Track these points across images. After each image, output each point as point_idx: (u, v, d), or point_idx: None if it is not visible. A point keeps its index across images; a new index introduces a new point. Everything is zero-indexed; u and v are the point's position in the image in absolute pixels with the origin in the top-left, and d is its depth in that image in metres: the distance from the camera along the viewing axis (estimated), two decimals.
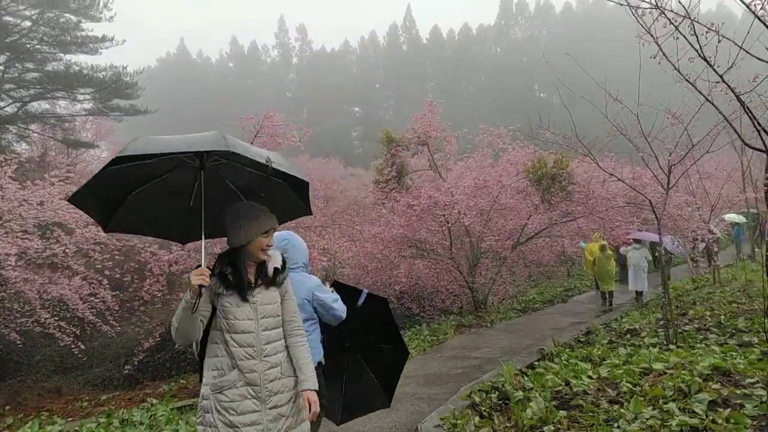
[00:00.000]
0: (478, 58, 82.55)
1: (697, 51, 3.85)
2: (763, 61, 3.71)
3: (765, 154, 3.87)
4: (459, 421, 4.40)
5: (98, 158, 34.84)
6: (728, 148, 14.41)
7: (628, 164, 12.65)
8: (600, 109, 7.22)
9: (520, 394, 4.85)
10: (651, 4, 4.30)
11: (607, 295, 13.05)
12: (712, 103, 4.34)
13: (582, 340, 8.52)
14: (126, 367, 12.13)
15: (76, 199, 2.56)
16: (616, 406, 4.28)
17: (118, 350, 13.41)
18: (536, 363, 6.87)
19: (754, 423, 3.63)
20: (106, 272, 10.12)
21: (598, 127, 8.51)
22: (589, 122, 8.14)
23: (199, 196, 2.64)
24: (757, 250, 18.25)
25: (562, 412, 4.18)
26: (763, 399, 3.96)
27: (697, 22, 3.81)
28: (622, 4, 4.69)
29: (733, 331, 7.11)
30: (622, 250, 13.98)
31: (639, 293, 12.98)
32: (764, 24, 3.58)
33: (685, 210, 11.69)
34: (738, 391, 4.19)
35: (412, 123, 13.71)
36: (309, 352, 2.74)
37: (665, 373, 4.96)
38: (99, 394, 11.52)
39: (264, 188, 2.81)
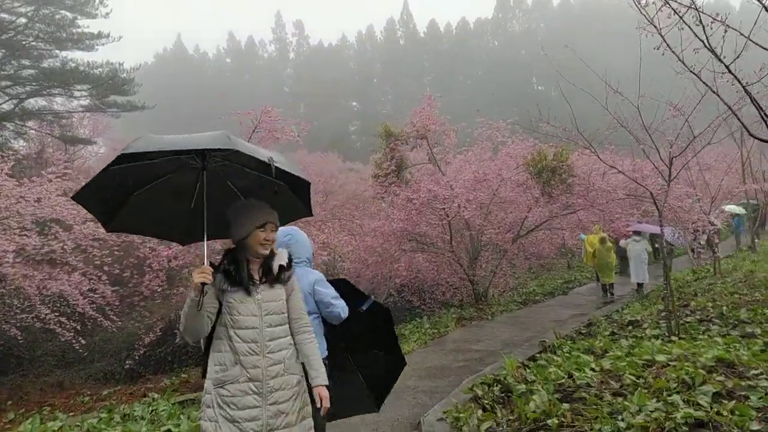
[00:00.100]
0: (475, 51, 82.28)
1: (702, 41, 3.80)
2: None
3: None
4: (462, 415, 4.38)
5: (96, 154, 34.75)
6: (728, 139, 14.43)
7: (627, 157, 12.64)
8: (600, 101, 7.18)
9: (522, 386, 4.83)
10: None
11: (607, 287, 13.06)
12: (717, 94, 4.30)
13: (583, 332, 8.51)
14: (127, 362, 12.12)
15: (79, 198, 2.57)
16: (619, 399, 4.26)
17: (120, 345, 13.41)
18: (538, 355, 6.87)
19: (759, 415, 3.61)
20: (105, 268, 10.09)
21: (597, 120, 8.48)
22: (587, 115, 8.11)
23: (201, 197, 2.65)
24: (757, 240, 18.28)
25: (566, 405, 4.16)
26: None
27: (703, 12, 3.76)
28: None
29: (736, 323, 7.10)
30: (621, 243, 13.96)
31: (640, 285, 12.98)
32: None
33: (686, 202, 11.67)
34: (742, 383, 4.17)
35: (411, 117, 13.66)
36: (317, 348, 2.76)
37: (668, 365, 4.94)
38: (101, 388, 11.52)
39: (265, 189, 2.82)
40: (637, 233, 13.10)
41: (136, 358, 11.51)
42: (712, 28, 3.80)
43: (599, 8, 78.82)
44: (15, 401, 10.21)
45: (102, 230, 9.37)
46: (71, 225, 9.45)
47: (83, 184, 2.56)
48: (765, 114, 3.71)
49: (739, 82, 3.77)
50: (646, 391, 4.30)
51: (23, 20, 23.39)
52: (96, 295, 10.16)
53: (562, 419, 3.97)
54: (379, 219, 13.38)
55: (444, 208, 11.83)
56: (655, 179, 10.05)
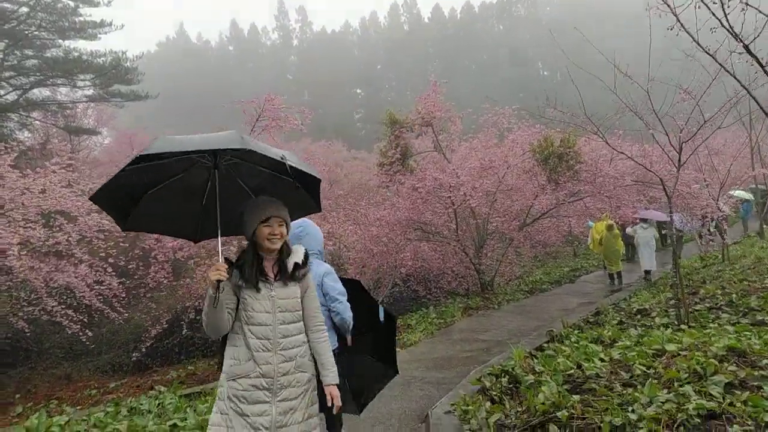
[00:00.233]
0: (480, 36, 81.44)
1: (719, 20, 3.67)
2: None
3: None
4: (470, 407, 4.34)
5: (101, 144, 34.81)
6: (736, 124, 14.23)
7: (635, 142, 12.48)
8: (609, 86, 7.04)
9: (530, 377, 4.77)
10: None
11: (615, 276, 12.95)
12: (733, 75, 4.18)
13: (591, 321, 8.44)
14: (134, 354, 12.16)
15: (96, 198, 2.63)
16: (630, 390, 4.19)
17: (127, 336, 13.45)
18: (546, 345, 6.82)
19: None
20: (110, 260, 10.07)
21: (603, 105, 8.34)
22: (594, 101, 7.96)
23: (213, 195, 2.69)
24: (765, 226, 18.09)
25: (575, 397, 4.10)
26: None
27: None
28: None
29: (746, 310, 7.01)
30: (628, 230, 13.85)
31: (647, 272, 12.88)
32: None
33: (694, 187, 11.53)
34: (755, 373, 4.09)
35: (416, 104, 13.53)
36: (330, 347, 2.78)
37: (679, 354, 4.87)
38: (109, 380, 11.59)
39: (275, 187, 2.86)
40: (644, 220, 12.97)
41: (143, 350, 11.55)
42: (729, 6, 3.66)
43: None
44: (23, 394, 10.28)
45: (107, 221, 9.38)
46: (76, 216, 9.43)
47: (100, 184, 2.63)
48: None
49: (759, 62, 3.64)
50: (656, 381, 4.23)
51: (25, 9, 23.26)
52: (102, 287, 10.16)
53: (572, 411, 3.91)
54: (384, 208, 13.31)
55: (450, 197, 11.74)
56: (664, 165, 9.91)
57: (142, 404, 5.83)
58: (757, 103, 4.10)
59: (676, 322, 6.92)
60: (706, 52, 4.23)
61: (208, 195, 2.88)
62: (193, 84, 72.65)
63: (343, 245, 13.21)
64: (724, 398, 3.73)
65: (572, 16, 65.14)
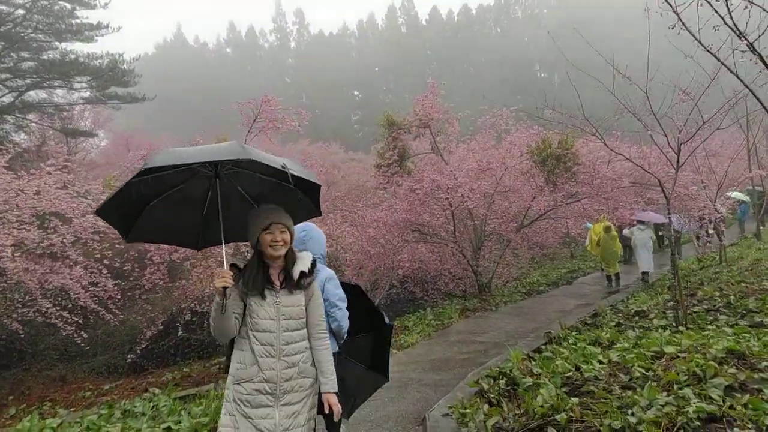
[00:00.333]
0: (478, 38, 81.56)
1: (722, 18, 3.63)
2: None
3: None
4: (468, 410, 4.29)
5: (97, 147, 34.71)
6: (733, 126, 14.23)
7: (632, 144, 12.47)
8: (607, 87, 7.02)
9: (529, 380, 4.73)
10: None
11: (612, 277, 12.93)
12: (735, 74, 4.14)
13: (589, 322, 8.40)
14: (129, 356, 12.10)
15: (101, 213, 2.71)
16: (629, 392, 4.15)
17: (123, 338, 13.38)
18: (543, 347, 6.77)
19: None
20: (105, 261, 10.01)
21: (601, 107, 8.32)
22: (592, 102, 7.93)
23: (214, 204, 2.77)
24: (762, 228, 18.09)
25: (574, 399, 4.06)
26: None
27: None
28: None
29: (744, 312, 6.98)
30: (625, 231, 13.83)
31: (645, 273, 12.85)
32: None
33: (692, 189, 11.52)
34: (755, 375, 4.06)
35: (413, 105, 13.49)
36: (331, 355, 2.79)
37: (678, 356, 4.83)
38: (104, 382, 11.51)
39: (276, 194, 2.92)
40: (642, 222, 12.95)
41: (138, 351, 11.48)
42: (732, 4, 3.61)
43: None
44: (17, 396, 10.19)
45: (102, 223, 9.31)
46: (71, 218, 9.36)
47: (104, 198, 2.72)
48: None
49: (763, 60, 3.60)
50: (655, 384, 4.19)
51: (21, 11, 23.19)
52: (98, 289, 10.10)
53: (571, 414, 3.86)
54: (381, 210, 13.27)
55: (447, 198, 11.71)
56: (662, 166, 9.90)
57: (136, 406, 5.77)
58: (760, 101, 4.05)
59: (674, 324, 6.89)
60: (707, 50, 4.19)
61: (209, 204, 2.94)
62: (190, 86, 72.51)
63: (340, 247, 13.17)
64: (724, 401, 3.69)
65: (569, 20, 65.24)
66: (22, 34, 23.40)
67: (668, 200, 7.29)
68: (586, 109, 7.71)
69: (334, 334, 3.30)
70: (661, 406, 3.75)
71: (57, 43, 25.03)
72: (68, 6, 24.53)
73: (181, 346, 12.88)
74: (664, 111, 7.12)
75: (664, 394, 3.98)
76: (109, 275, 10.27)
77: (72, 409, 7.61)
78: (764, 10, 3.51)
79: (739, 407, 3.54)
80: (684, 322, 6.76)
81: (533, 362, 5.54)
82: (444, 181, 11.64)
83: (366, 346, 3.62)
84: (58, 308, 9.75)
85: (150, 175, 2.45)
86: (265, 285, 2.61)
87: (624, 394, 4.12)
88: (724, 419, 3.45)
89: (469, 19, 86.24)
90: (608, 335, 6.49)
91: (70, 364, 13.05)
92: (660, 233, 17.69)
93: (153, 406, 5.75)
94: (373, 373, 3.63)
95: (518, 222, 13.04)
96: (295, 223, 2.92)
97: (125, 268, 10.95)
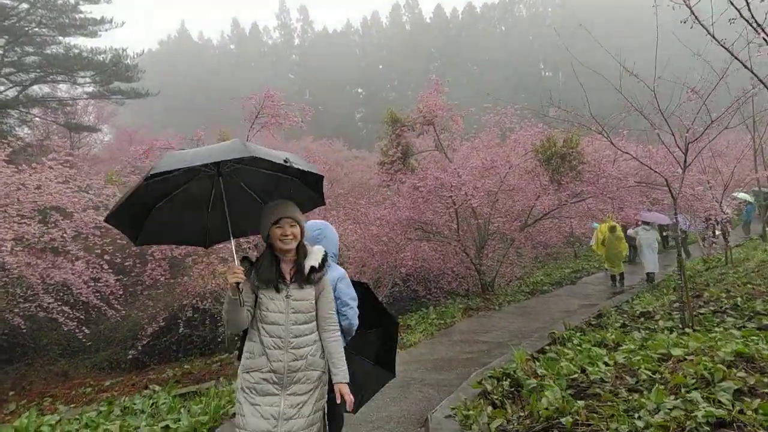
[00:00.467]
0: (482, 37, 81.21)
1: (738, 11, 3.55)
2: None
3: None
4: (471, 412, 4.22)
5: (101, 142, 34.71)
6: (739, 126, 14.10)
7: (638, 143, 12.36)
8: (614, 85, 6.93)
9: (533, 381, 4.66)
10: None
11: (617, 277, 12.83)
12: (750, 69, 4.05)
13: (593, 323, 8.31)
14: (130, 352, 12.08)
15: (110, 220, 2.79)
16: (635, 395, 4.08)
17: (125, 333, 13.39)
18: (547, 347, 6.70)
19: None
20: (106, 257, 9.97)
21: (606, 106, 8.23)
22: (597, 101, 7.86)
23: (219, 201, 2.84)
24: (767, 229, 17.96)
25: (580, 402, 3.99)
26: None
27: None
28: None
29: (751, 314, 6.89)
30: (629, 231, 13.72)
31: (650, 274, 12.76)
32: None
33: (698, 189, 11.40)
34: (765, 379, 3.98)
35: (417, 102, 13.41)
36: (341, 346, 2.84)
37: (685, 359, 4.75)
38: (105, 377, 11.50)
39: (279, 186, 3.01)
40: (646, 222, 12.85)
41: (139, 348, 11.46)
42: None
43: None
44: (18, 391, 10.18)
45: (102, 218, 9.27)
46: (72, 213, 9.31)
47: (113, 205, 2.76)
48: None
49: None
50: (663, 387, 4.12)
51: (25, 6, 23.18)
52: (100, 284, 10.07)
53: (577, 417, 3.79)
54: (384, 207, 13.20)
55: (451, 196, 11.62)
56: (668, 166, 9.79)
57: (135, 404, 5.72)
58: None
59: (680, 326, 6.81)
60: (720, 44, 4.10)
61: (214, 201, 3.00)
62: (194, 82, 72.50)
63: (343, 244, 13.09)
64: (733, 405, 3.62)
65: (574, 18, 65.00)
66: (26, 29, 23.42)
67: (675, 200, 7.20)
68: (592, 108, 7.62)
69: (344, 331, 3.29)
70: (669, 410, 3.67)
71: (61, 37, 25.06)
72: (72, 1, 24.52)
73: (183, 342, 12.87)
74: (671, 110, 7.03)
75: (672, 397, 3.91)
76: (110, 271, 10.24)
77: (72, 405, 7.58)
78: None
79: (749, 412, 3.47)
80: (690, 324, 6.68)
81: (537, 363, 5.46)
82: (448, 179, 11.55)
83: (373, 342, 3.64)
84: (59, 303, 9.72)
85: (154, 179, 2.52)
86: (277, 278, 2.67)
87: (631, 398, 4.05)
88: (734, 424, 3.37)
89: (474, 17, 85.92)
90: (614, 336, 6.41)
91: (72, 360, 13.06)
92: (664, 233, 17.57)
93: (153, 404, 5.70)
94: (380, 368, 3.64)
95: (522, 221, 12.94)
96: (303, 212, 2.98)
97: (126, 263, 10.92)
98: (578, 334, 7.27)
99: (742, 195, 17.58)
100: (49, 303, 9.43)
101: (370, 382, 3.62)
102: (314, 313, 2.75)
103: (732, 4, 3.53)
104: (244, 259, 2.73)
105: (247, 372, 2.66)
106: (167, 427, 4.54)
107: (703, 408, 3.59)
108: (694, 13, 4.07)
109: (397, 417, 4.90)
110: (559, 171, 11.79)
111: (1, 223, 8.05)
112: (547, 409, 3.95)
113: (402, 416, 4.92)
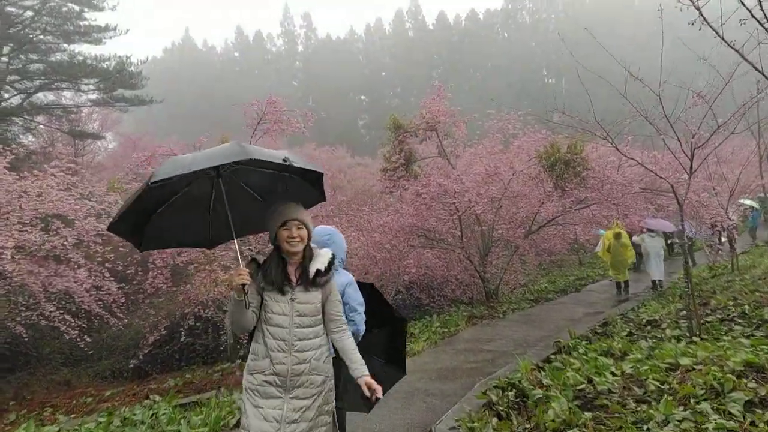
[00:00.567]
0: (485, 43, 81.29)
1: (749, 11, 3.48)
2: None
3: None
4: (476, 424, 4.13)
5: (105, 149, 34.79)
6: (744, 132, 13.99)
7: (642, 149, 12.26)
8: (619, 90, 6.87)
9: (539, 392, 4.57)
10: None
11: (622, 285, 12.71)
12: (760, 71, 3.98)
13: (599, 331, 8.22)
14: (131, 361, 12.00)
15: (113, 229, 2.83)
16: (644, 406, 4.00)
17: (128, 342, 13.31)
18: (553, 356, 6.61)
19: None
20: (108, 265, 9.92)
21: (609, 112, 8.16)
22: (600, 107, 7.78)
23: (220, 202, 2.88)
24: None
25: (587, 414, 3.91)
26: None
27: None
28: None
29: (760, 323, 6.79)
30: (635, 238, 13.60)
31: (654, 282, 12.63)
32: None
33: (703, 195, 11.30)
34: None
35: (420, 108, 13.36)
36: (354, 343, 2.82)
37: (693, 369, 4.67)
38: (107, 386, 11.42)
39: (279, 184, 3.03)
40: (651, 229, 12.75)
41: (141, 357, 11.39)
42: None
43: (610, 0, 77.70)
44: (19, 401, 10.11)
45: (104, 226, 9.24)
46: (73, 220, 9.27)
47: (116, 214, 2.78)
48: None
49: None
50: (671, 398, 4.03)
51: (30, 13, 23.29)
52: (102, 292, 10.02)
53: (584, 429, 3.71)
54: (387, 214, 13.14)
55: (454, 203, 11.55)
56: (673, 172, 9.70)
57: (135, 414, 5.64)
58: None
59: (687, 334, 6.70)
60: (730, 46, 4.03)
61: (214, 203, 3.04)
62: (198, 90, 72.76)
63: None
64: (744, 417, 3.54)
65: (577, 25, 65.09)
66: (31, 36, 23.51)
67: (681, 207, 7.12)
68: (597, 115, 7.55)
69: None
70: (679, 421, 3.59)
71: (65, 45, 25.14)
72: (76, 8, 24.64)
73: (186, 350, 12.78)
74: (677, 115, 6.95)
75: (681, 408, 3.82)
76: (112, 279, 10.19)
77: (72, 416, 7.49)
78: None
79: (761, 424, 3.38)
80: (698, 333, 6.58)
81: (543, 373, 5.38)
82: (451, 185, 11.49)
83: (383, 341, 3.67)
84: (61, 312, 9.66)
85: (154, 185, 2.51)
86: (282, 281, 2.67)
87: (639, 409, 3.97)
88: None
89: (476, 24, 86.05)
90: (620, 345, 6.32)
91: (75, 368, 12.98)
92: (669, 241, 17.44)
93: (152, 414, 5.62)
94: (390, 366, 3.66)
95: (526, 228, 12.85)
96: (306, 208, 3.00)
97: (128, 271, 10.86)
98: (584, 342, 7.18)
99: (747, 201, 17.46)
100: (50, 311, 9.37)
101: (382, 380, 3.61)
102: (319, 317, 2.74)
103: (743, 4, 3.46)
104: (252, 261, 2.75)
105: (251, 374, 2.67)
106: None
107: (714, 420, 3.51)
108: (702, 15, 4.01)
109: (401, 427, 4.82)
110: (563, 177, 11.71)
111: (2, 231, 8.01)
112: (553, 420, 3.87)
113: (405, 427, 4.83)
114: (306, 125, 10.91)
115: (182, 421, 5.05)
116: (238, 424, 4.59)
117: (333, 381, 2.81)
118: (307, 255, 2.77)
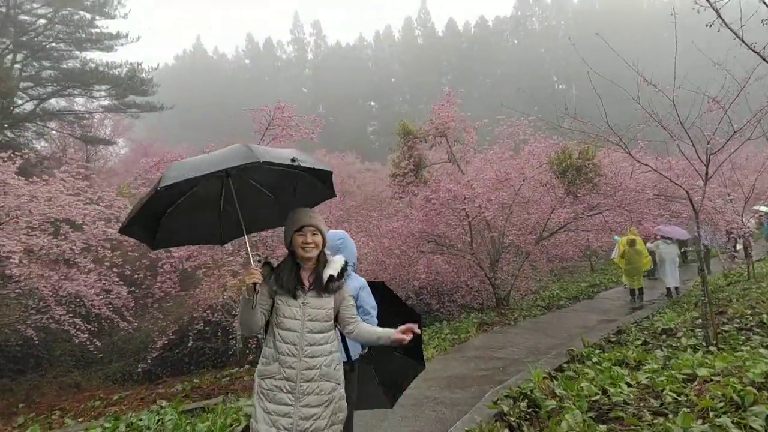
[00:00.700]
0: (494, 50, 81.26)
1: None
2: None
3: None
4: None
5: (117, 154, 35.09)
6: (759, 138, 13.76)
7: (656, 155, 12.10)
8: (632, 95, 6.76)
9: (551, 402, 4.46)
10: None
11: (636, 292, 12.52)
12: None
13: (613, 340, 8.06)
14: (140, 365, 12.00)
15: (125, 231, 2.90)
16: (660, 419, 3.87)
17: (138, 345, 13.35)
18: (565, 365, 6.48)
19: None
20: (116, 269, 9.93)
21: (621, 118, 8.03)
22: (612, 113, 7.67)
23: (230, 200, 2.89)
24: None
25: (602, 426, 3.79)
26: None
27: None
28: None
29: None
30: (649, 245, 13.41)
31: (670, 289, 12.42)
32: None
33: (718, 202, 11.11)
34: None
35: (430, 114, 13.31)
36: (370, 325, 2.86)
37: (712, 380, 4.53)
38: (117, 389, 11.43)
39: (288, 181, 3.04)
40: (665, 236, 12.57)
41: (149, 361, 11.38)
42: None
43: (620, 5, 77.37)
44: (28, 404, 10.11)
45: (113, 230, 9.26)
46: (82, 225, 9.30)
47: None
48: None
49: None
50: (689, 410, 3.90)
51: (43, 21, 23.61)
52: (112, 296, 10.04)
53: None
54: (397, 220, 13.07)
55: (464, 209, 11.46)
56: (687, 178, 9.54)
57: (141, 420, 5.58)
58: None
59: (704, 344, 6.55)
60: (750, 48, 3.93)
61: (225, 200, 3.05)
62: (209, 96, 73.27)
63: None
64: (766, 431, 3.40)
65: (587, 31, 64.85)
66: (44, 44, 23.82)
67: (697, 214, 6.98)
68: (608, 120, 7.43)
69: None
70: None
71: (77, 52, 25.47)
72: (88, 16, 24.96)
73: (195, 354, 12.79)
74: (691, 120, 6.83)
75: (700, 422, 3.70)
76: (122, 283, 10.22)
77: (80, 419, 7.47)
78: None
79: None
80: (715, 342, 6.43)
81: (555, 382, 5.26)
82: (461, 191, 11.40)
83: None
84: (71, 315, 9.69)
85: (164, 186, 2.52)
86: (295, 285, 2.67)
87: (656, 422, 3.84)
88: None
89: (486, 31, 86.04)
90: (635, 355, 6.18)
91: (85, 371, 13.02)
92: (682, 249, 17.18)
93: (159, 420, 5.56)
94: (409, 359, 3.63)
95: (537, 234, 12.71)
96: (313, 206, 3.05)
97: (137, 275, 10.89)
98: (597, 351, 7.04)
99: (763, 208, 17.17)
100: (61, 315, 9.41)
101: (403, 374, 3.68)
102: (331, 323, 2.74)
103: (765, 3, 3.37)
104: (266, 264, 2.76)
105: (262, 378, 2.66)
106: None
107: None
108: (720, 16, 3.91)
109: None
110: (574, 183, 11.57)
111: (11, 235, 8.03)
112: None
113: None
114: (315, 131, 10.87)
115: (188, 428, 4.99)
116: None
117: (343, 389, 2.77)
118: (321, 261, 2.78)
